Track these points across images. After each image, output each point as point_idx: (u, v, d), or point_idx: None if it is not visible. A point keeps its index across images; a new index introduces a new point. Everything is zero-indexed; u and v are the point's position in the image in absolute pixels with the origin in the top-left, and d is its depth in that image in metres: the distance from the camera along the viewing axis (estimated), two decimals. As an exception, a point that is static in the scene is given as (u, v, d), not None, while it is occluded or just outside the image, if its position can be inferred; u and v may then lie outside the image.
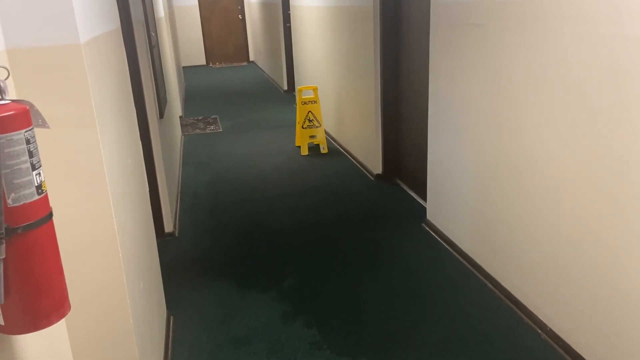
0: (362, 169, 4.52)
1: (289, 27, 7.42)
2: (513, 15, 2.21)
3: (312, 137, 5.05)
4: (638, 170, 1.69)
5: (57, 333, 1.43)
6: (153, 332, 1.99)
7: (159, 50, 4.17)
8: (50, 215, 1.06)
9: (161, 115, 3.52)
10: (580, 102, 1.90)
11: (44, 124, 1.15)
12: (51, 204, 1.15)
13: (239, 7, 12.07)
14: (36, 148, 1.03)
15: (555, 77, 2.01)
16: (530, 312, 2.34)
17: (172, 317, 2.50)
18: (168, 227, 3.39)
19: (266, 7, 9.08)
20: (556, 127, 2.04)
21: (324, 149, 5.08)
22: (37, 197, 1.02)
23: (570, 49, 1.91)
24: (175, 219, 3.58)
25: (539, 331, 2.27)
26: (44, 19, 1.31)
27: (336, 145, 5.31)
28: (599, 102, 1.81)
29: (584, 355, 2.03)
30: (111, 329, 1.56)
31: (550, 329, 2.21)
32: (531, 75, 2.15)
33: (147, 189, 2.37)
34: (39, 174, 1.04)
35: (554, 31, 1.98)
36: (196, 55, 12.14)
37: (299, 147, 5.18)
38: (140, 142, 2.33)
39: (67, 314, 1.12)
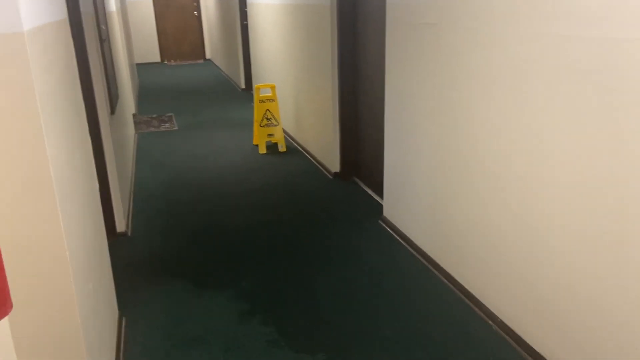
0: (320, 167, 4.53)
1: (246, 25, 7.35)
2: (465, 15, 2.27)
3: (270, 135, 5.02)
4: (583, 163, 1.76)
5: (-2, 336, 1.36)
6: (103, 333, 1.92)
7: (109, 44, 4.04)
8: (-11, 210, 1.01)
9: (112, 111, 3.41)
10: (529, 100, 1.97)
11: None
12: (-10, 198, 1.09)
13: (195, 4, 11.86)
14: (-27, 139, 0.97)
15: (506, 76, 2.07)
16: (482, 304, 2.41)
17: (124, 318, 2.43)
18: (120, 226, 3.28)
19: (223, 4, 8.96)
20: (506, 126, 2.11)
21: (282, 148, 5.06)
22: (-26, 190, 0.96)
23: (520, 48, 1.98)
24: (127, 218, 3.47)
25: (490, 322, 2.34)
26: (-18, 5, 1.24)
27: (294, 143, 5.30)
28: (549, 101, 1.88)
29: (533, 346, 2.11)
30: (58, 330, 1.49)
31: (501, 320, 2.28)
32: (483, 75, 2.21)
33: (97, 187, 2.29)
34: (-23, 166, 0.98)
35: (505, 31, 2.05)
36: (150, 52, 11.84)
37: (257, 145, 5.14)
38: (89, 138, 2.25)
39: (8, 312, 1.06)
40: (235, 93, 8.14)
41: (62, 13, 2.03)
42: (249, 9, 6.85)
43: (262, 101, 4.93)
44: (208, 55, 12.13)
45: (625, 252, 1.64)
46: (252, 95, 7.36)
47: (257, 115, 4.98)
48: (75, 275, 1.52)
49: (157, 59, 11.99)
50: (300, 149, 5.11)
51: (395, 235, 3.20)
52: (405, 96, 2.90)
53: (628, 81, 1.55)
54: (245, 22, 7.53)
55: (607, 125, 1.65)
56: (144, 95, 8.14)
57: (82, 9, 2.80)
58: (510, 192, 2.14)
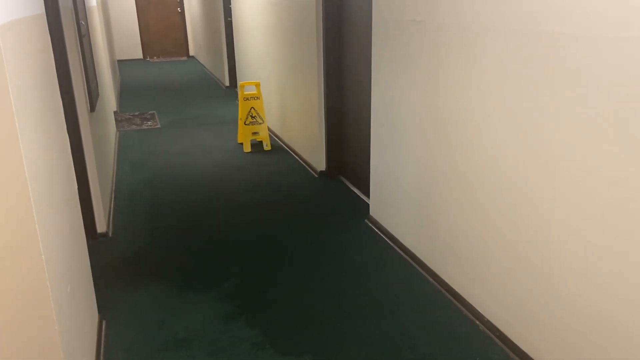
0: (305, 166, 4.50)
1: (231, 22, 7.27)
2: (451, 13, 2.25)
3: (254, 133, 4.97)
4: (564, 165, 1.76)
5: (-31, 344, 1.30)
6: (82, 337, 1.86)
7: (89, 40, 3.95)
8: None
9: (92, 108, 3.33)
10: (518, 98, 1.96)
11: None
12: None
13: (178, 0, 11.71)
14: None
15: (495, 75, 2.06)
16: (469, 303, 2.40)
17: (104, 322, 2.36)
18: (101, 227, 3.21)
19: (206, 0, 8.85)
20: (495, 123, 2.09)
21: (267, 146, 5.01)
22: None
23: (510, 46, 1.97)
24: (108, 218, 3.40)
25: (477, 322, 2.33)
26: (-50, -4, 1.18)
27: (280, 142, 5.25)
28: (539, 100, 1.87)
29: (519, 345, 2.11)
30: (34, 335, 1.44)
31: (488, 320, 2.28)
32: (471, 74, 2.20)
33: (76, 186, 2.23)
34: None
35: (494, 29, 2.03)
36: (132, 48, 11.67)
37: (242, 144, 5.08)
38: (67, 136, 2.18)
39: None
40: (219, 91, 8.06)
41: (39, 7, 1.97)
42: (233, 5, 6.78)
43: (246, 99, 4.87)
44: (191, 52, 12.00)
45: (612, 251, 1.64)
46: (236, 92, 7.28)
47: (241, 113, 4.92)
48: (52, 278, 1.46)
49: (139, 55, 11.83)
50: (286, 147, 5.06)
51: (381, 235, 3.18)
52: (392, 94, 2.88)
53: (624, 80, 1.55)
54: (229, 19, 7.45)
55: (602, 126, 1.64)
56: (125, 93, 8.01)
57: (60, 3, 2.72)
58: (497, 191, 2.13)
